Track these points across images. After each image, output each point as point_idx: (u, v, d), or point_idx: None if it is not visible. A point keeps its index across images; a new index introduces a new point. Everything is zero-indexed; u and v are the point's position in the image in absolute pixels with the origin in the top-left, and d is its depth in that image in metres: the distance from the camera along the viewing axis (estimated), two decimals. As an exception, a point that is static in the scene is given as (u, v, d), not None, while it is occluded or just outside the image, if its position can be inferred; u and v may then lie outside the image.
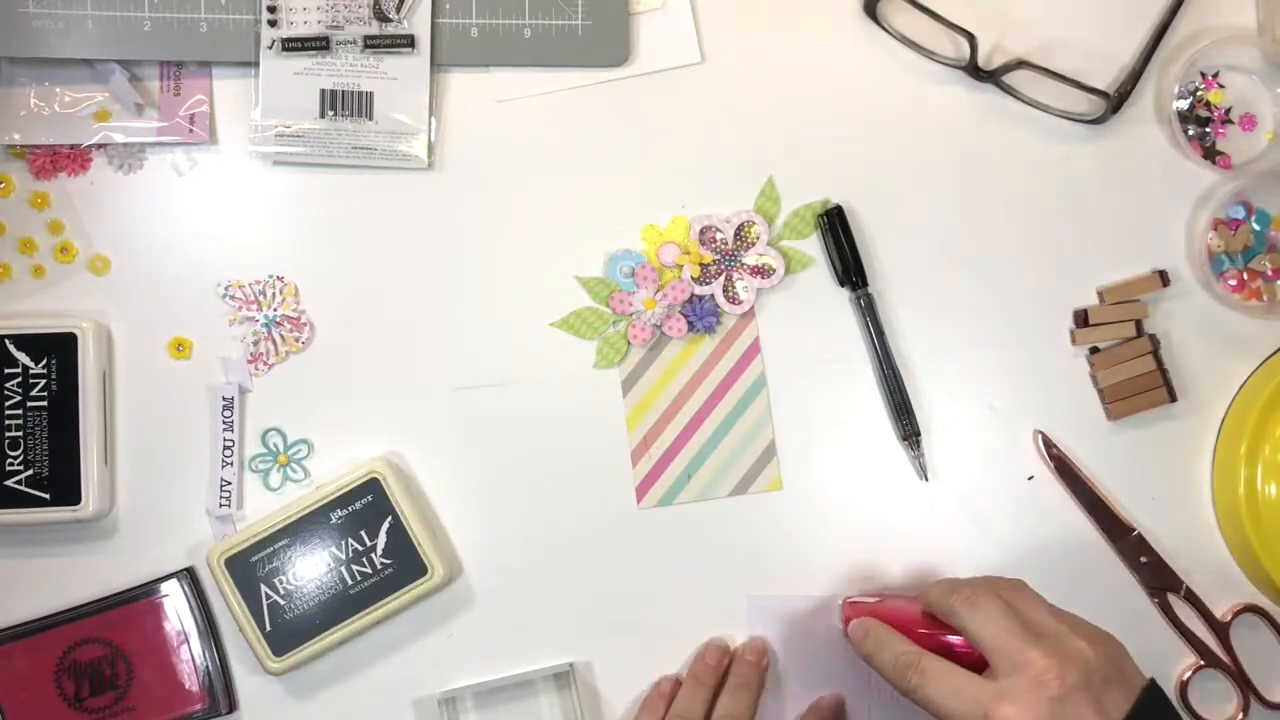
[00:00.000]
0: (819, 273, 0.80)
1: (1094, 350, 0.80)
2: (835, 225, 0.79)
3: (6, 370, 0.76)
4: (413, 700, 0.77)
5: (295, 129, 0.78)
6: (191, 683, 0.77)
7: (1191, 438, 0.81)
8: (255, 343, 0.79)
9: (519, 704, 0.78)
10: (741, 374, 0.80)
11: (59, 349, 0.76)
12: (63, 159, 0.79)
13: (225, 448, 0.78)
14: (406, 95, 0.78)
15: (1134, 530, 0.80)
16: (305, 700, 0.78)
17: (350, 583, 0.76)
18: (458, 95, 0.80)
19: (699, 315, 0.79)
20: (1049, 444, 0.80)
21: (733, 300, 0.79)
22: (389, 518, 0.76)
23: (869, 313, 0.79)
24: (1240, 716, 0.80)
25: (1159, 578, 0.80)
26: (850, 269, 0.79)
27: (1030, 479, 0.80)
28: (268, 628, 0.75)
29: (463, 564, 0.79)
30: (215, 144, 0.79)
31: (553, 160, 0.80)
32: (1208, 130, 0.81)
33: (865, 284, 0.79)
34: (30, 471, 0.75)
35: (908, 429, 0.79)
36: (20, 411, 0.76)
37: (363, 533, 0.76)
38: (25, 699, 0.76)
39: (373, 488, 0.76)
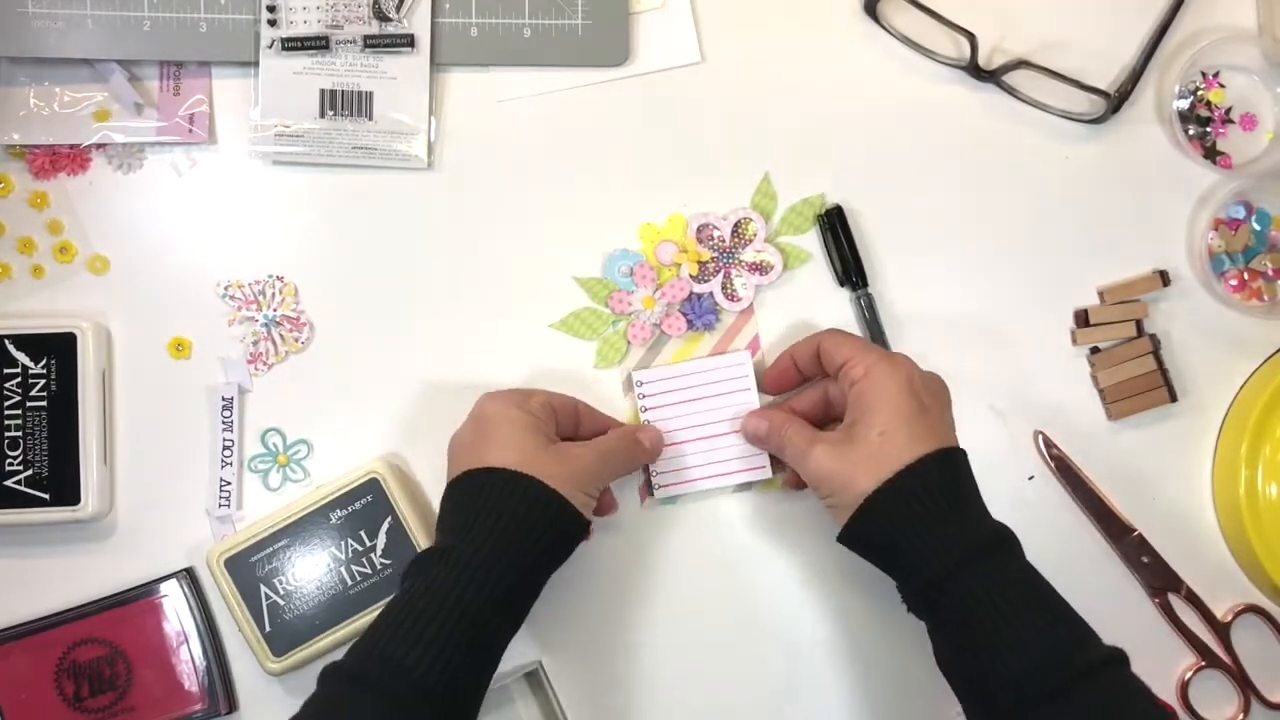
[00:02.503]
0: (817, 269, 0.80)
1: (1094, 350, 0.80)
2: (835, 225, 0.79)
3: (6, 370, 0.76)
4: None
5: (295, 129, 0.78)
6: (191, 683, 0.77)
7: (1192, 438, 0.81)
8: (255, 343, 0.79)
9: (496, 713, 0.78)
10: (741, 374, 0.80)
11: (58, 349, 0.76)
12: (62, 159, 0.79)
13: (225, 448, 0.78)
14: (406, 95, 0.78)
15: (1134, 530, 0.79)
16: (305, 701, 0.77)
17: (350, 583, 0.76)
18: (458, 95, 0.80)
19: (698, 313, 0.79)
20: (1049, 444, 0.80)
21: (731, 298, 0.79)
22: (389, 518, 0.76)
23: (869, 312, 0.79)
24: (1241, 717, 0.80)
25: (1159, 578, 0.80)
26: (850, 269, 0.79)
27: (1030, 479, 0.80)
28: (267, 628, 0.75)
29: (462, 564, 0.79)
30: (215, 144, 0.79)
31: (552, 160, 0.80)
32: (1208, 130, 0.81)
33: (865, 284, 0.79)
34: (30, 471, 0.75)
35: (908, 429, 0.79)
36: (20, 411, 0.76)
37: (362, 533, 0.76)
38: (25, 699, 0.76)
39: (372, 488, 0.76)
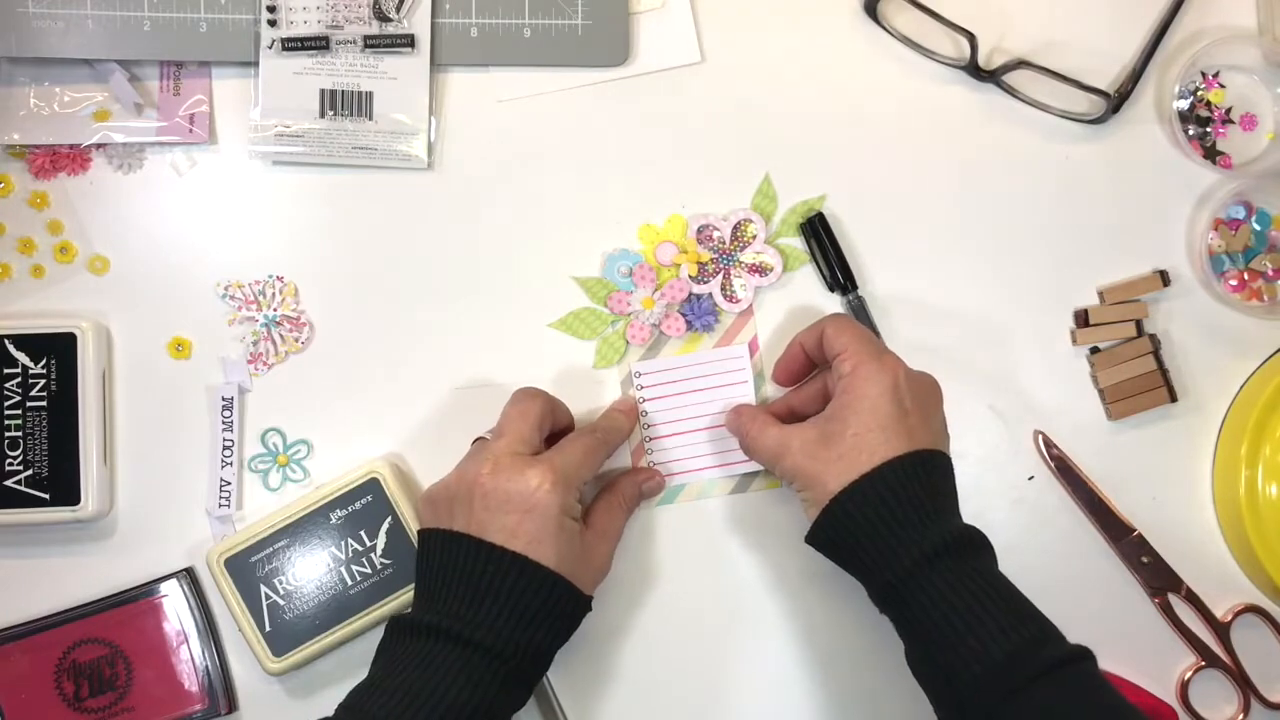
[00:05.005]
0: (815, 272, 0.80)
1: (1094, 350, 0.80)
2: (818, 231, 0.79)
3: (6, 370, 0.76)
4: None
5: (295, 129, 0.78)
6: (191, 683, 0.77)
7: (1192, 438, 0.81)
8: (255, 343, 0.79)
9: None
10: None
11: (58, 349, 0.76)
12: (62, 159, 0.79)
13: (225, 448, 0.78)
14: (406, 95, 0.78)
15: (1134, 530, 0.79)
16: (305, 700, 0.78)
17: (350, 583, 0.76)
18: (458, 95, 0.80)
19: (697, 314, 0.79)
20: (1049, 444, 0.80)
21: (730, 299, 0.79)
22: (389, 518, 0.76)
23: (861, 315, 0.79)
24: (1241, 716, 0.80)
25: (1159, 578, 0.80)
26: (838, 274, 0.79)
27: (1030, 479, 0.80)
28: (267, 628, 0.75)
29: (462, 564, 0.79)
30: (215, 144, 0.79)
31: (552, 160, 0.80)
32: (1208, 130, 0.81)
33: (855, 287, 0.79)
34: (30, 471, 0.75)
35: (907, 429, 0.79)
36: (20, 411, 0.76)
37: (362, 533, 0.76)
38: (25, 699, 0.76)
39: (373, 488, 0.76)
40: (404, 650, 0.65)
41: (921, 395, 0.70)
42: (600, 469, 0.74)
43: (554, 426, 0.74)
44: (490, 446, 0.70)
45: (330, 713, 0.65)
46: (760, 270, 0.79)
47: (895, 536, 0.66)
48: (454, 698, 0.63)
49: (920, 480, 0.67)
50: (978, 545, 0.67)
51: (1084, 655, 0.64)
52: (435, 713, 0.62)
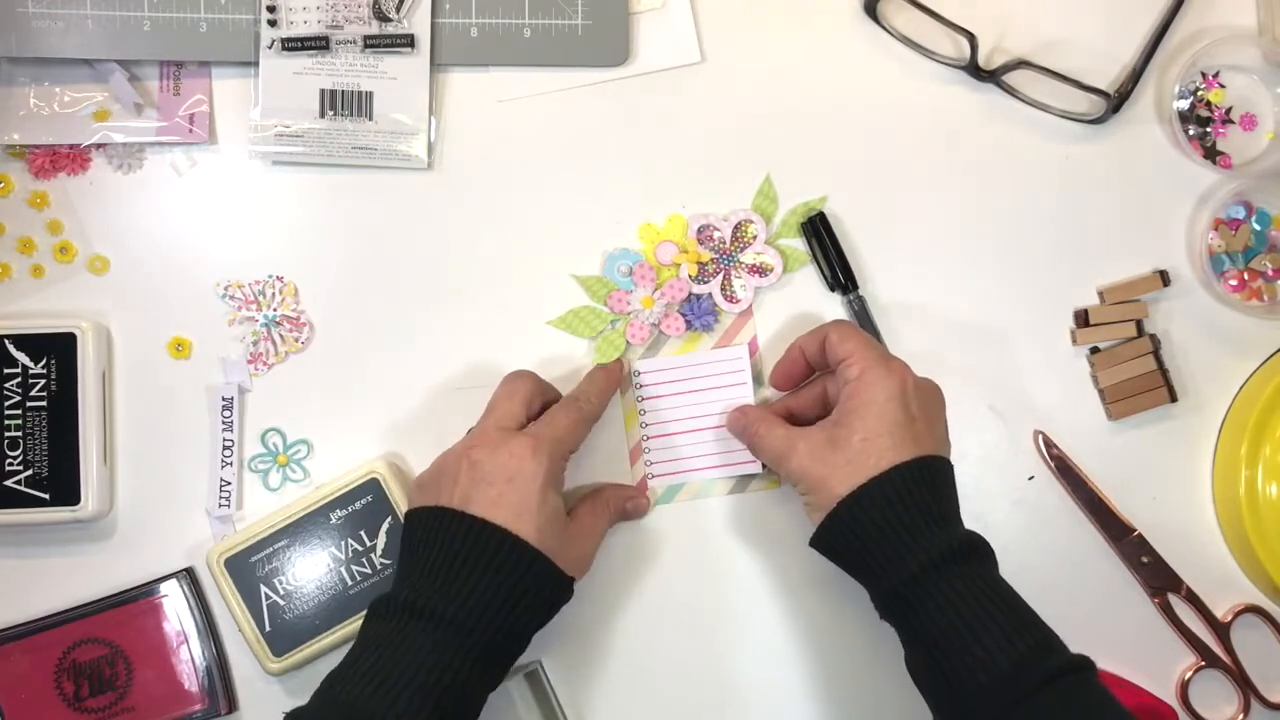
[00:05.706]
0: (817, 271, 0.80)
1: (1094, 350, 0.80)
2: (819, 231, 0.79)
3: (6, 370, 0.76)
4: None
5: (295, 129, 0.78)
6: (191, 683, 0.77)
7: (1192, 438, 0.81)
8: (255, 343, 0.79)
9: (497, 713, 0.77)
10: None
11: (58, 349, 0.76)
12: (62, 159, 0.79)
13: (225, 448, 0.78)
14: (406, 95, 0.78)
15: (1134, 530, 0.79)
16: (305, 700, 0.77)
17: (350, 583, 0.76)
18: (458, 95, 0.80)
19: (697, 314, 0.79)
20: (1049, 444, 0.80)
21: (730, 299, 0.79)
22: (389, 518, 0.76)
23: (862, 316, 0.79)
24: (1241, 717, 0.79)
25: (1159, 578, 0.80)
26: (838, 274, 0.79)
27: (1030, 479, 0.80)
28: (267, 628, 0.75)
29: (462, 564, 0.79)
30: (215, 144, 0.79)
31: (552, 160, 0.80)
32: (1208, 130, 0.81)
33: (855, 287, 0.79)
34: (30, 471, 0.75)
35: (907, 429, 0.79)
36: (20, 411, 0.76)
37: (362, 533, 0.76)
38: (25, 699, 0.76)
39: (372, 488, 0.76)
40: (375, 631, 0.66)
41: (927, 401, 0.70)
42: (585, 438, 0.74)
43: (543, 406, 0.74)
44: (477, 425, 0.71)
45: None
46: (760, 271, 0.79)
47: (903, 542, 0.66)
48: (423, 679, 0.62)
49: (927, 485, 0.67)
50: (982, 552, 0.67)
51: (1085, 665, 0.64)
52: (403, 695, 0.62)
